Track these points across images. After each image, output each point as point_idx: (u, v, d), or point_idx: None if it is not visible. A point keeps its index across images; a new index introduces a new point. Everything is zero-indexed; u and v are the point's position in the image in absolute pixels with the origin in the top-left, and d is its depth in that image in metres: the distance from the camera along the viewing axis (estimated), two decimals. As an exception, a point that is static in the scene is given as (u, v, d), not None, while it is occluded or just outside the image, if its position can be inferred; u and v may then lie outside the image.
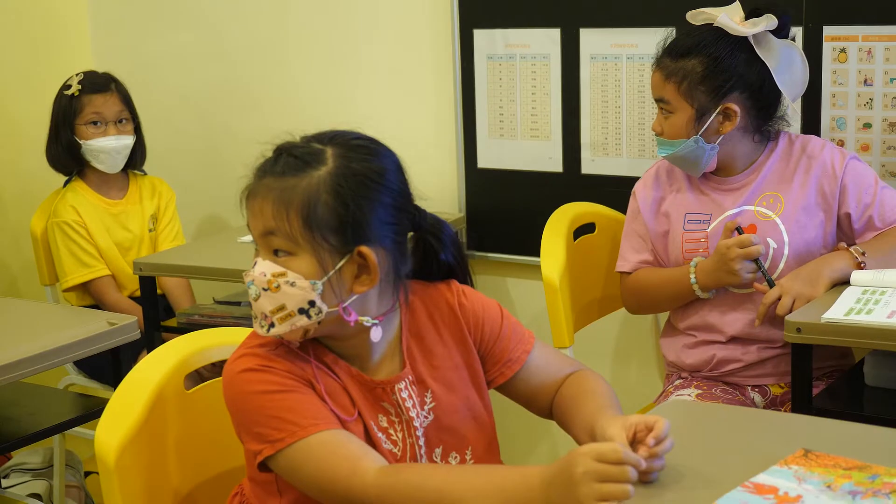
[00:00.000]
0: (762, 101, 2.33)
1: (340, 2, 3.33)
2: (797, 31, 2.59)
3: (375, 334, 1.54)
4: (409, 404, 1.55)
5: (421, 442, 1.56)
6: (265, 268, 1.48)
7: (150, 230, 3.29)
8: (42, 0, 3.68)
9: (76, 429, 2.72)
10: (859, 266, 2.20)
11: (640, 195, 2.49)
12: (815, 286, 2.18)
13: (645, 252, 2.48)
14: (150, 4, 3.69)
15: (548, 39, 2.97)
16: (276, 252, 1.49)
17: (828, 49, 2.62)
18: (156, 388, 1.64)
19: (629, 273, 2.50)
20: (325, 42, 3.37)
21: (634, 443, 1.43)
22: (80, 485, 3.25)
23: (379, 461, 1.44)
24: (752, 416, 1.84)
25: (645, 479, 1.40)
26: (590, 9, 2.91)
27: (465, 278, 1.67)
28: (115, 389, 1.58)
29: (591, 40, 2.92)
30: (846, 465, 1.41)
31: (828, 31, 2.62)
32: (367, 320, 1.52)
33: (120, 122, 3.18)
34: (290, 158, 1.49)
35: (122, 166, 3.22)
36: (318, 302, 1.47)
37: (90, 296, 3.22)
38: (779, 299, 2.21)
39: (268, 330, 1.49)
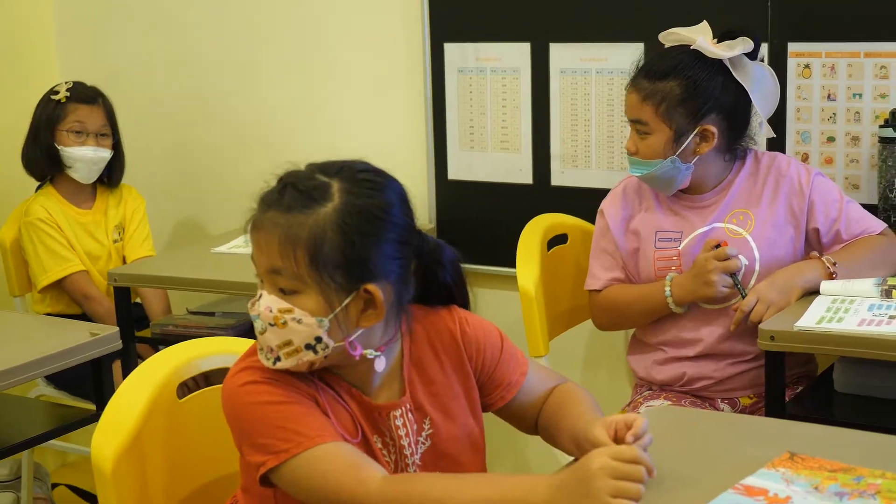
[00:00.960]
0: (736, 121, 2.37)
1: (311, 13, 3.34)
2: (762, 48, 2.66)
3: (379, 365, 1.54)
4: (402, 432, 1.56)
5: (412, 470, 1.57)
6: (271, 303, 1.48)
7: (116, 241, 3.28)
8: (7, 7, 3.65)
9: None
10: (831, 276, 2.25)
11: (609, 213, 2.50)
12: (789, 296, 2.23)
13: (615, 270, 2.49)
14: (116, 12, 3.68)
15: (518, 53, 3.02)
16: (281, 290, 1.48)
17: (792, 65, 2.69)
18: (150, 397, 1.65)
19: (599, 291, 2.52)
20: (296, 53, 3.39)
21: (615, 441, 1.46)
22: (47, 497, 3.23)
23: (382, 471, 1.45)
24: (734, 422, 1.89)
25: None
26: (559, 24, 2.95)
27: (464, 300, 1.66)
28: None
29: (561, 54, 2.97)
30: (831, 468, 1.46)
31: (792, 47, 2.69)
32: (370, 353, 1.52)
33: (101, 135, 3.19)
34: (295, 192, 1.47)
35: (95, 178, 3.22)
36: (325, 338, 1.47)
37: (67, 294, 3.19)
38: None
39: (274, 363, 1.49)
